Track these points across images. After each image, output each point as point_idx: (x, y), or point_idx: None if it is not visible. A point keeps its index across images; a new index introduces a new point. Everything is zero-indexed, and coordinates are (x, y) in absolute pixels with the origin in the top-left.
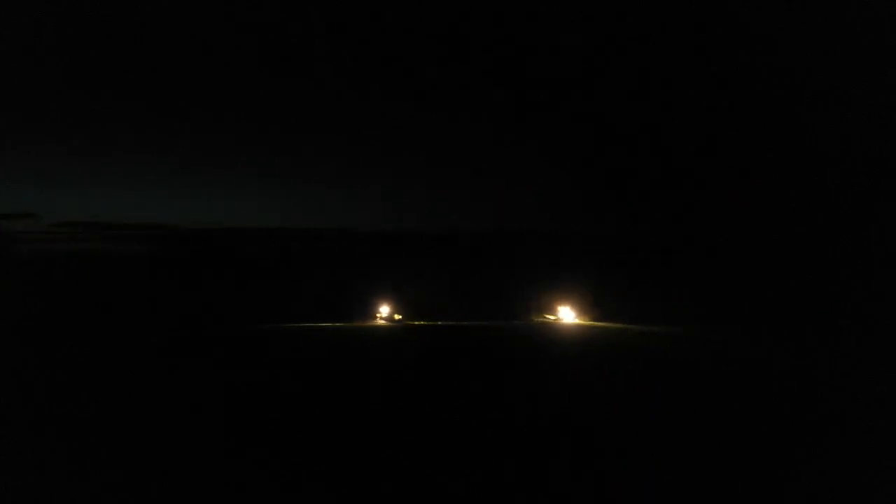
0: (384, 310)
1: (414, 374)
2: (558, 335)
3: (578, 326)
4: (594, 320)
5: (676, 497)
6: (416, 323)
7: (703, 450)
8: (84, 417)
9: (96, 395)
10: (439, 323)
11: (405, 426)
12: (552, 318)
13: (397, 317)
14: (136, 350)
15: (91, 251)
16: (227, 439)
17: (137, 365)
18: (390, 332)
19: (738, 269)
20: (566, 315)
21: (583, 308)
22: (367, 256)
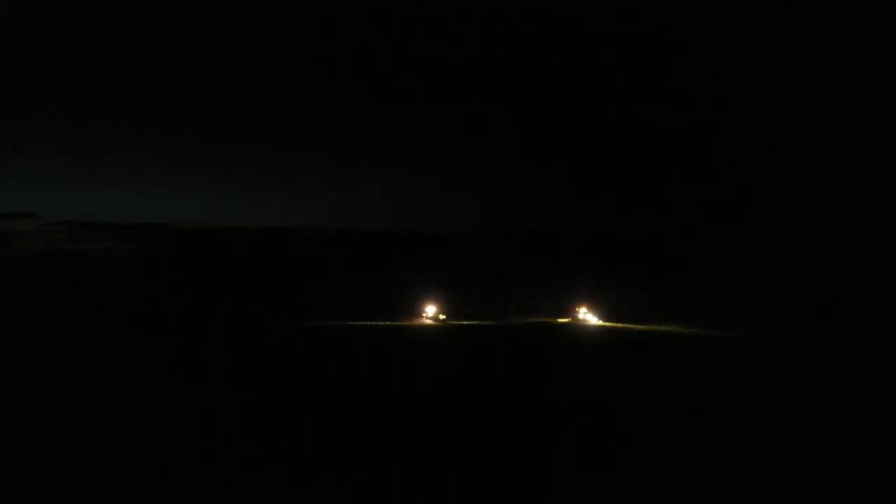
0: (430, 309)
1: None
2: (585, 336)
3: (600, 327)
4: (614, 321)
5: (691, 493)
6: (461, 323)
7: (712, 448)
8: (83, 416)
9: (96, 394)
10: (477, 323)
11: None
12: (572, 318)
13: (442, 316)
14: (136, 349)
15: (90, 250)
16: (227, 439)
17: (137, 363)
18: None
19: (743, 270)
20: (587, 316)
21: (602, 309)
22: (366, 256)
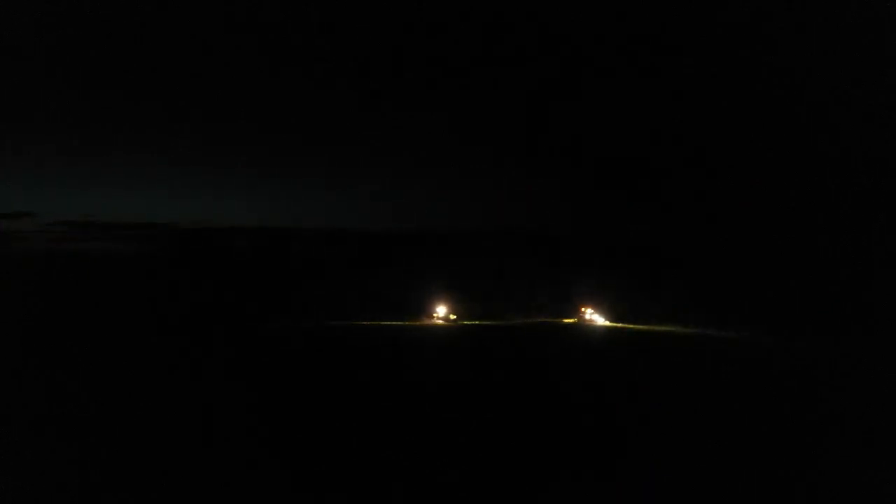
0: (440, 310)
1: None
2: (593, 336)
3: (606, 328)
4: (615, 321)
5: (692, 492)
6: (472, 323)
7: (712, 447)
8: (83, 416)
9: (96, 394)
10: (485, 323)
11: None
12: (577, 319)
13: (452, 316)
14: (136, 349)
15: (90, 250)
16: (227, 439)
17: (137, 364)
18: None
19: (743, 270)
20: (594, 317)
21: (603, 309)
22: (367, 256)
